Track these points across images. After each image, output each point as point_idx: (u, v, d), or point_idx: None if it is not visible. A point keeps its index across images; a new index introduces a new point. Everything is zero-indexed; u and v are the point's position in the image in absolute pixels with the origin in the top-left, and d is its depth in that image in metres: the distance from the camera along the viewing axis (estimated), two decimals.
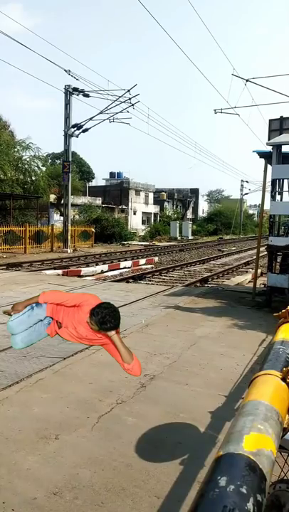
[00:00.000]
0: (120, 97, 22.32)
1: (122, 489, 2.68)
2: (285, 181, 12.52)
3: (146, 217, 52.35)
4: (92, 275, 14.92)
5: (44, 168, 33.67)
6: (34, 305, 3.53)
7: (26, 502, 2.54)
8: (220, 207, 66.69)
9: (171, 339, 6.12)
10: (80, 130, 23.89)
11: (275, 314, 2.06)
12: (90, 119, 23.59)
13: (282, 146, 8.87)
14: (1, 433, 3.32)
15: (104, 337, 3.07)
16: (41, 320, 3.46)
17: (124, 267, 17.22)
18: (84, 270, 15.42)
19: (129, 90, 22.04)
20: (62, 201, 28.42)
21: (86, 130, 24.02)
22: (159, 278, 14.85)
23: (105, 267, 16.49)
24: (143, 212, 51.81)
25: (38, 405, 3.80)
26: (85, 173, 53.00)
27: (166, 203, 58.29)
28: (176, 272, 16.35)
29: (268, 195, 11.95)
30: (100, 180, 58.58)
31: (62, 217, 28.11)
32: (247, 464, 0.83)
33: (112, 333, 2.97)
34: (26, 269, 15.31)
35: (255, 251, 19.00)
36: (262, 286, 9.96)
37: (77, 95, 23.34)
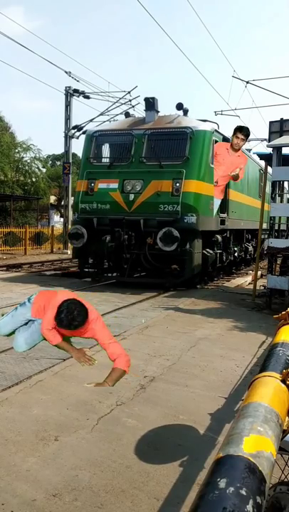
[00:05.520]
0: (121, 98, 22.32)
1: (121, 491, 2.68)
2: (286, 183, 12.52)
3: None
4: None
5: (44, 170, 33.73)
6: (18, 305, 3.58)
7: (26, 503, 2.54)
8: None
9: (171, 341, 6.11)
10: (81, 132, 23.88)
11: (275, 316, 2.07)
12: (91, 120, 23.57)
13: (283, 148, 8.88)
14: (1, 434, 3.32)
15: (83, 329, 3.11)
16: (32, 320, 3.48)
17: None
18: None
19: (129, 92, 22.02)
20: (62, 202, 28.44)
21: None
22: None
23: None
24: None
25: (37, 407, 3.80)
26: None
27: None
28: None
29: None
30: None
31: (62, 219, 28.13)
32: (247, 465, 0.83)
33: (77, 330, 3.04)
34: (26, 271, 15.29)
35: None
36: (262, 288, 9.95)
37: (78, 97, 23.36)
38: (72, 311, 3.04)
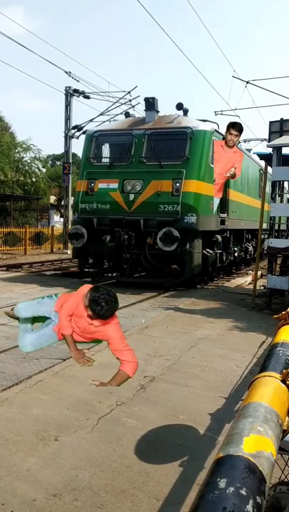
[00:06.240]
0: (121, 98, 22.34)
1: (121, 491, 2.68)
2: (286, 183, 12.51)
3: None
4: None
5: (44, 170, 33.75)
6: (46, 296, 3.59)
7: (26, 503, 2.54)
8: None
9: (171, 341, 6.11)
10: (81, 132, 23.89)
11: (275, 316, 2.07)
12: (91, 120, 23.59)
13: (283, 148, 8.88)
14: (1, 434, 3.32)
15: (102, 325, 3.08)
16: (52, 320, 3.47)
17: None
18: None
19: (129, 92, 22.04)
20: (62, 202, 28.46)
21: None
22: None
23: None
24: None
25: (37, 407, 3.80)
26: None
27: None
28: None
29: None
30: None
31: (62, 219, 28.15)
32: (247, 465, 0.83)
33: (100, 322, 2.99)
34: (26, 271, 15.30)
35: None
36: (262, 288, 9.95)
37: (78, 97, 23.37)
38: (111, 296, 3.02)
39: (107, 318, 3.02)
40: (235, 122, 6.78)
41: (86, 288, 3.14)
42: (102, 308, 2.93)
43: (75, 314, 3.19)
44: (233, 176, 7.12)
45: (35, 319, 3.61)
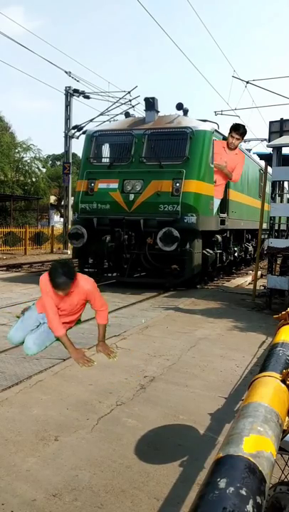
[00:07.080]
0: (121, 98, 22.33)
1: (121, 491, 2.68)
2: (286, 183, 12.50)
3: None
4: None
5: (44, 170, 33.77)
6: (25, 311, 3.65)
7: (26, 503, 2.54)
8: None
9: (171, 341, 6.11)
10: (81, 132, 23.89)
11: (275, 316, 2.07)
12: (91, 120, 23.58)
13: (283, 148, 8.88)
14: (1, 434, 3.32)
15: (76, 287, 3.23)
16: (42, 323, 3.50)
17: None
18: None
19: (129, 92, 22.04)
20: (62, 202, 28.47)
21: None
22: None
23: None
24: None
25: (37, 407, 3.80)
26: None
27: None
28: None
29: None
30: None
31: (62, 219, 28.17)
32: (247, 465, 0.83)
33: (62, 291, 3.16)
34: (26, 271, 15.31)
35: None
36: (262, 288, 9.95)
37: (78, 97, 23.37)
38: (54, 265, 3.19)
39: (69, 286, 3.12)
40: (239, 124, 6.67)
41: (43, 277, 3.28)
42: (63, 276, 3.09)
43: (56, 305, 3.30)
44: (230, 177, 7.10)
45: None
